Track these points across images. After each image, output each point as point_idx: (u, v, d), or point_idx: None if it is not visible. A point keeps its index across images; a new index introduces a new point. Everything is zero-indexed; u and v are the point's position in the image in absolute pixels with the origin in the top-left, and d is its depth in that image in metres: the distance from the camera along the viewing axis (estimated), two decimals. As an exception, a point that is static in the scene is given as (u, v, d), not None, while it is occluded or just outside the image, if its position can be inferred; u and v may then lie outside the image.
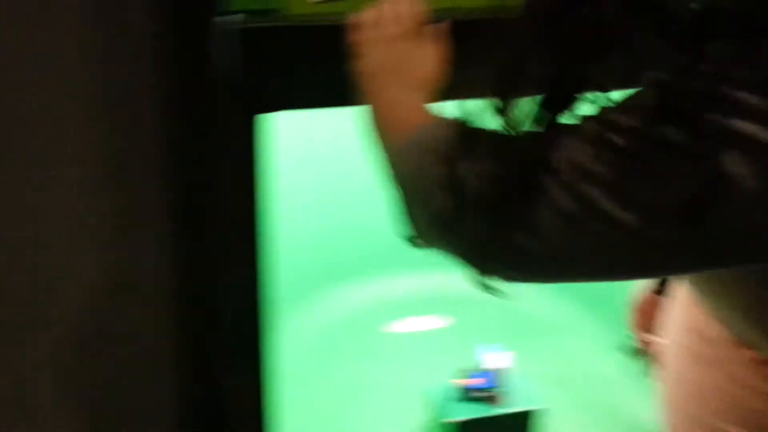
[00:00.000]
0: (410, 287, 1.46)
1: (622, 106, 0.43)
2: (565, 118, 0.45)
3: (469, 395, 0.97)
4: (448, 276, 1.44)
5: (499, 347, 1.01)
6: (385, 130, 0.60)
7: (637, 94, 0.43)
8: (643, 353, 0.76)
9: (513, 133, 0.46)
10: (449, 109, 0.57)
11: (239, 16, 0.69)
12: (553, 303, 1.40)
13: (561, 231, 0.44)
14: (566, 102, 0.44)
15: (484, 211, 0.47)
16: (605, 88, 0.43)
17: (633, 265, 0.46)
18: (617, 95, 0.43)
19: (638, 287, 0.76)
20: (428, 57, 0.65)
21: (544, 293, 1.40)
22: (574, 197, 0.42)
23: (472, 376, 0.99)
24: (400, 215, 0.55)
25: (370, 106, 0.62)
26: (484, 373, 0.98)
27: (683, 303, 0.64)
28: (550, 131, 0.44)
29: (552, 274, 0.50)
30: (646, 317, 0.75)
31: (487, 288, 0.50)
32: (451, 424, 0.94)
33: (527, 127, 0.45)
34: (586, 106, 0.44)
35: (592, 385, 1.15)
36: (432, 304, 1.43)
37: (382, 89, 0.63)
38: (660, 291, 0.72)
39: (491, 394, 0.96)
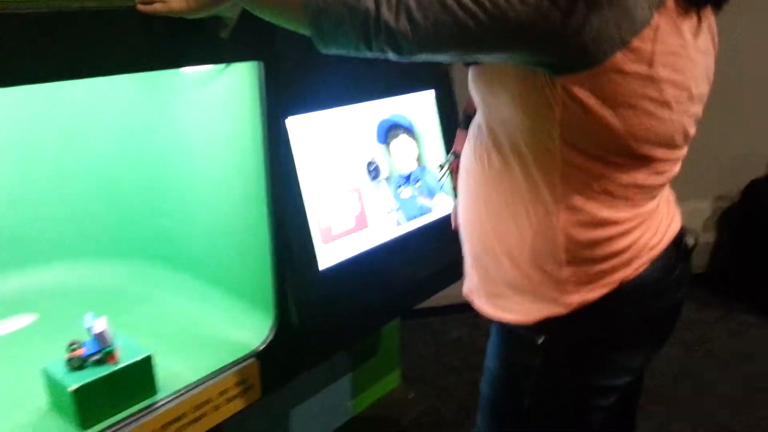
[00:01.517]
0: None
1: None
2: None
3: (84, 363, 1.05)
4: (25, 275, 1.45)
5: (96, 315, 1.11)
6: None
7: None
8: (456, 167, 1.08)
9: None
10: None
11: None
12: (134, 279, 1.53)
13: (428, 27, 0.78)
14: None
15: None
16: None
17: (466, 40, 0.79)
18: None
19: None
20: None
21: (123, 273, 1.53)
22: (441, 4, 0.77)
23: (83, 346, 1.07)
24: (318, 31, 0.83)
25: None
26: (92, 339, 1.07)
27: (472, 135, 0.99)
28: None
29: (417, 52, 0.82)
30: (459, 143, 1.05)
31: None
32: (70, 393, 1.00)
33: None
34: None
35: (189, 328, 1.34)
36: (13, 305, 1.41)
37: None
38: (465, 127, 1.04)
39: (102, 356, 1.06)
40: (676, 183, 1.00)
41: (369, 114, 1.44)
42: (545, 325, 0.96)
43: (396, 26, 0.80)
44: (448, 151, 1.63)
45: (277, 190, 1.20)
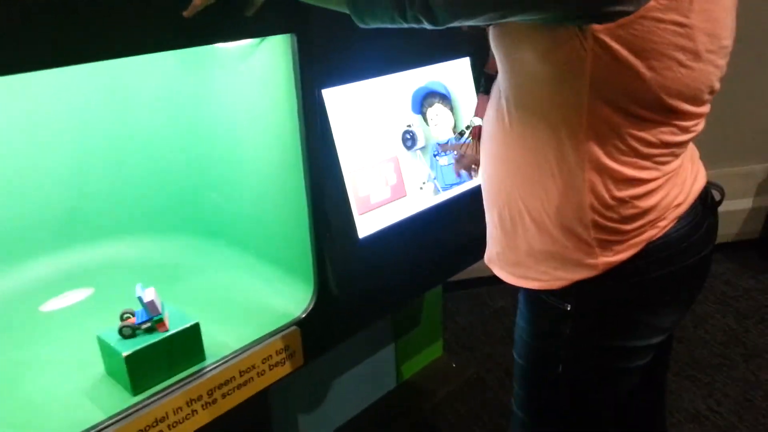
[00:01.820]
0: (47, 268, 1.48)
1: None
2: None
3: (136, 331, 1.10)
4: (81, 251, 1.52)
5: (146, 286, 1.16)
6: None
7: None
8: (477, 134, 1.10)
9: None
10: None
11: None
12: (180, 252, 1.59)
13: None
14: None
15: None
16: None
17: (501, 5, 0.79)
18: None
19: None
20: None
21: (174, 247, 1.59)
22: None
23: (134, 315, 1.12)
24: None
25: None
26: (143, 309, 1.12)
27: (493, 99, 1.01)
28: None
29: (452, 20, 0.83)
30: (480, 109, 1.07)
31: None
32: (123, 358, 1.06)
33: None
34: None
35: (234, 299, 1.39)
36: (71, 279, 1.48)
37: None
38: (486, 91, 1.07)
39: (152, 324, 1.11)
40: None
41: (405, 83, 1.44)
42: (573, 290, 0.96)
43: None
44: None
45: (315, 161, 1.21)
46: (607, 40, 0.78)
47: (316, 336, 1.33)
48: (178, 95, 1.45)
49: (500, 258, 1.06)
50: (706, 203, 0.99)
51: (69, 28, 0.87)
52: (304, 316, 1.30)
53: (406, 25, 0.86)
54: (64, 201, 1.49)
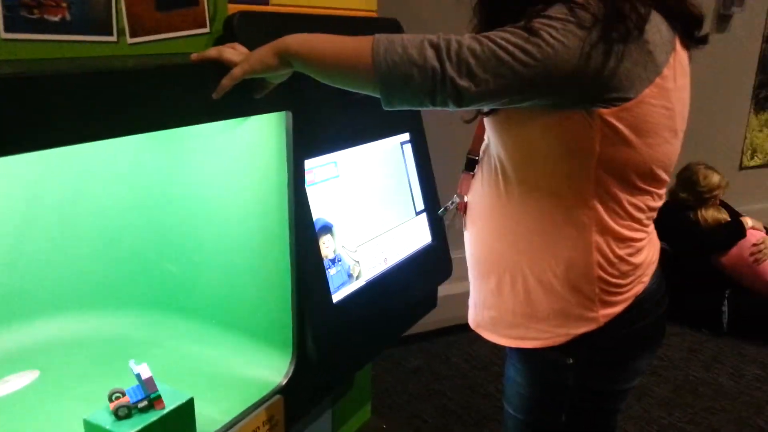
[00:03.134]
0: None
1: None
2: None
3: (132, 411, 1.05)
4: (23, 330, 1.39)
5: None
6: (349, 61, 0.96)
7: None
8: (462, 209, 1.18)
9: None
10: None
11: None
12: (133, 327, 1.51)
13: (488, 79, 0.90)
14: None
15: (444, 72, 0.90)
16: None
17: (521, 89, 0.92)
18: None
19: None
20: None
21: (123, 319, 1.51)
22: (496, 57, 0.89)
23: (128, 393, 1.07)
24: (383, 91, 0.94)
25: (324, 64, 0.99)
26: (137, 386, 1.07)
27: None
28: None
29: (476, 102, 0.94)
30: (465, 186, 1.16)
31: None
32: (124, 441, 1.00)
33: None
34: None
35: (204, 371, 1.35)
36: (13, 362, 1.35)
37: (316, 51, 0.99)
38: (470, 170, 1.17)
39: (150, 402, 1.07)
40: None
41: (366, 155, 1.53)
42: (573, 343, 1.08)
43: (460, 82, 0.90)
44: (427, 195, 1.76)
45: (299, 229, 1.26)
46: (612, 120, 0.94)
47: (297, 402, 1.33)
48: (138, 165, 1.43)
49: (494, 322, 1.16)
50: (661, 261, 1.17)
51: (70, 106, 0.88)
52: (285, 382, 1.30)
53: (430, 107, 0.96)
54: (4, 276, 1.38)
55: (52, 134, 0.84)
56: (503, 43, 0.90)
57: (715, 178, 3.16)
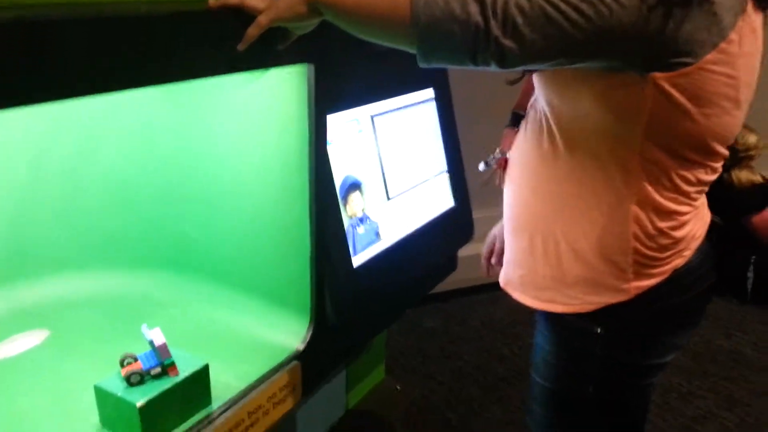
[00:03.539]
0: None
1: None
2: None
3: (144, 377, 1.01)
4: (33, 288, 1.35)
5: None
6: (384, 13, 0.87)
7: None
8: (503, 165, 1.13)
9: None
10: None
11: None
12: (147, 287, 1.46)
13: (536, 40, 0.81)
14: None
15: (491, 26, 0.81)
16: None
17: (571, 51, 0.83)
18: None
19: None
20: None
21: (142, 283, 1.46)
22: (546, 16, 0.80)
23: (140, 359, 1.02)
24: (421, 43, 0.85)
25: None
26: (150, 352, 1.03)
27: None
28: None
29: (520, 64, 0.85)
30: (507, 141, 1.12)
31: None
32: (138, 409, 0.96)
33: None
34: None
35: (220, 335, 1.31)
36: (22, 320, 1.31)
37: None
38: (515, 125, 1.11)
39: (163, 368, 1.02)
40: None
41: (390, 111, 1.45)
42: (603, 313, 1.02)
43: (504, 40, 0.82)
44: (450, 154, 1.68)
45: (319, 188, 1.19)
46: (667, 86, 0.85)
47: (314, 368, 1.29)
48: (153, 121, 1.35)
49: (523, 282, 1.10)
50: (710, 235, 1.10)
51: (93, 55, 0.80)
52: (303, 348, 1.25)
53: (470, 67, 0.87)
54: (9, 231, 1.33)
55: (61, 85, 0.77)
56: (555, 0, 0.80)
57: (752, 138, 3.03)
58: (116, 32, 0.82)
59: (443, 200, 1.69)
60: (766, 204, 3.02)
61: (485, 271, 1.38)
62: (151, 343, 1.01)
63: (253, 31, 0.91)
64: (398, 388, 2.31)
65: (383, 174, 1.44)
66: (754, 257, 3.05)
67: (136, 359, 1.03)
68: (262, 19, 0.91)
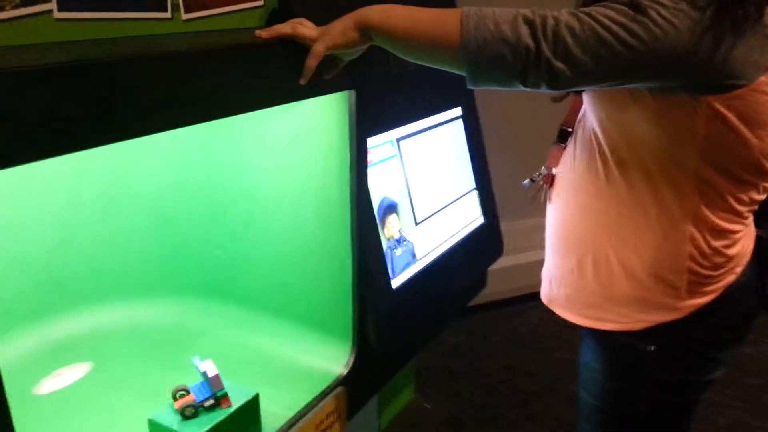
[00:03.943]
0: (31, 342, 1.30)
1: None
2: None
3: (197, 410, 1.00)
4: (74, 320, 1.35)
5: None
6: (434, 36, 0.87)
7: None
8: (549, 182, 1.11)
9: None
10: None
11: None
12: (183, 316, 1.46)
13: (587, 62, 0.81)
14: None
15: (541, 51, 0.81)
16: None
17: (623, 73, 0.83)
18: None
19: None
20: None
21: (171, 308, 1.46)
22: (597, 37, 0.80)
23: (192, 391, 1.02)
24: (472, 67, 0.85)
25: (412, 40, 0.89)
26: (202, 383, 1.02)
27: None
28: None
29: (572, 86, 0.86)
30: (554, 158, 1.09)
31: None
32: (193, 442, 0.96)
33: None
34: None
35: (263, 360, 1.30)
36: (65, 353, 1.31)
37: (398, 27, 0.89)
38: (562, 142, 1.08)
39: (216, 400, 1.02)
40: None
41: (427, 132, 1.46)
42: (656, 331, 1.01)
43: (555, 62, 0.82)
44: (478, 172, 1.68)
45: (360, 212, 1.19)
46: (721, 108, 0.85)
47: (358, 392, 1.28)
48: (187, 146, 1.36)
49: (570, 300, 1.09)
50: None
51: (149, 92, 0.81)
52: (346, 373, 1.25)
53: (520, 88, 0.87)
54: (46, 263, 1.33)
55: (116, 127, 0.77)
56: (606, 21, 0.81)
57: None
58: (168, 69, 0.83)
59: (474, 217, 1.69)
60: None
61: None
62: (204, 374, 1.01)
63: (311, 62, 0.92)
64: (428, 406, 2.29)
65: (419, 194, 1.44)
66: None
67: (188, 391, 1.02)
68: (318, 48, 0.92)
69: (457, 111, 1.65)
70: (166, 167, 1.36)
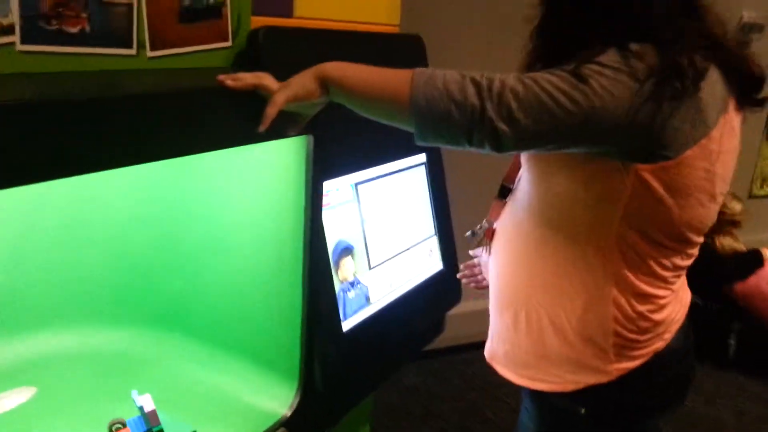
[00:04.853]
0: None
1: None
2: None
3: (132, 444, 1.00)
4: (18, 344, 1.34)
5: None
6: (386, 90, 0.91)
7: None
8: (490, 235, 1.13)
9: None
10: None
11: None
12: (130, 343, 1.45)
13: (529, 125, 0.84)
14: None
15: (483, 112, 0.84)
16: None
17: (562, 137, 0.86)
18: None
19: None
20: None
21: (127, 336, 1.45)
22: (539, 102, 0.84)
23: (129, 424, 1.02)
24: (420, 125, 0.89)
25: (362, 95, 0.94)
26: (139, 418, 1.02)
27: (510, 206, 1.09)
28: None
29: (514, 148, 0.89)
30: (495, 213, 1.12)
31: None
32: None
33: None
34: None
35: (207, 395, 1.30)
36: (8, 377, 1.30)
37: (355, 82, 0.94)
38: (503, 197, 1.12)
39: (152, 435, 1.02)
40: None
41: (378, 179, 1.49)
42: (585, 393, 1.03)
43: (499, 124, 0.85)
44: (438, 215, 1.72)
45: (314, 254, 1.21)
46: (648, 176, 0.89)
47: (301, 433, 1.28)
48: (147, 178, 1.37)
49: (507, 357, 1.11)
50: (691, 317, 1.12)
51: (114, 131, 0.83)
52: (289, 414, 1.25)
53: (467, 148, 0.90)
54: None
55: (76, 162, 0.79)
56: (549, 87, 0.85)
57: (738, 206, 3.10)
58: (127, 110, 0.85)
59: (432, 263, 1.71)
60: (749, 273, 3.06)
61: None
62: (141, 409, 1.01)
63: (271, 110, 0.95)
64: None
65: (375, 238, 1.47)
66: (735, 324, 3.08)
67: (125, 425, 1.02)
68: (279, 98, 0.95)
69: (421, 158, 1.68)
70: (125, 199, 1.37)
